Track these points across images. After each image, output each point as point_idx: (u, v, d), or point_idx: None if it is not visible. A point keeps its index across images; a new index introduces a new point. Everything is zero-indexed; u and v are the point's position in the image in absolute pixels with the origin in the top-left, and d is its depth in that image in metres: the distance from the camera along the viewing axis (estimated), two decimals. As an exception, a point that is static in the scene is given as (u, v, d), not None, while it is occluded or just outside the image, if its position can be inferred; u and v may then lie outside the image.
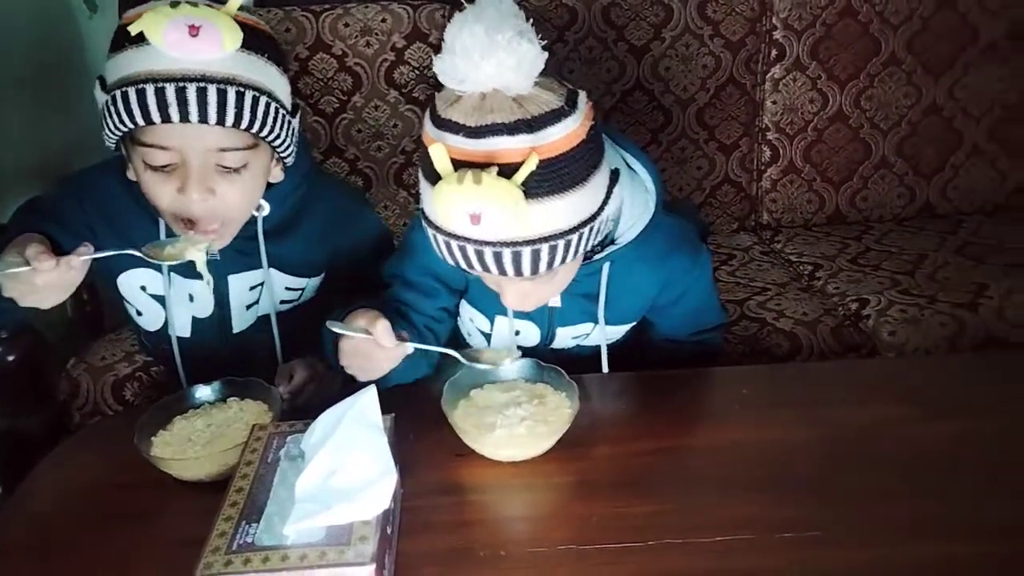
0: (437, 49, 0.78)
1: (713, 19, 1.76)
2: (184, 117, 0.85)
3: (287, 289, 1.10)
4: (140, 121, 0.86)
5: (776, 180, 1.88)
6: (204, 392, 0.95)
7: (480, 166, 0.74)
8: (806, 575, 0.72)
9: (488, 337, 1.06)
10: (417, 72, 1.74)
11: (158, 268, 1.05)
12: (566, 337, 1.06)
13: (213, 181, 0.91)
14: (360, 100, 1.76)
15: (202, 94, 0.85)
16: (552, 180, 0.76)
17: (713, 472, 0.86)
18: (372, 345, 0.85)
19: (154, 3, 0.86)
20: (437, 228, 0.80)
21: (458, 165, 0.75)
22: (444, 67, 0.77)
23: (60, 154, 1.70)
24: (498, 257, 0.78)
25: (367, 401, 0.77)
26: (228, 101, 0.86)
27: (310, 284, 1.12)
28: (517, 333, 1.04)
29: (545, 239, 0.78)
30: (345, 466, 0.70)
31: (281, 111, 0.93)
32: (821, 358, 1.42)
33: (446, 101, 0.78)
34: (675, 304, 1.06)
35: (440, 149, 0.75)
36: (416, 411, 0.89)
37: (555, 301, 1.00)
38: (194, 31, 0.83)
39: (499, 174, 0.73)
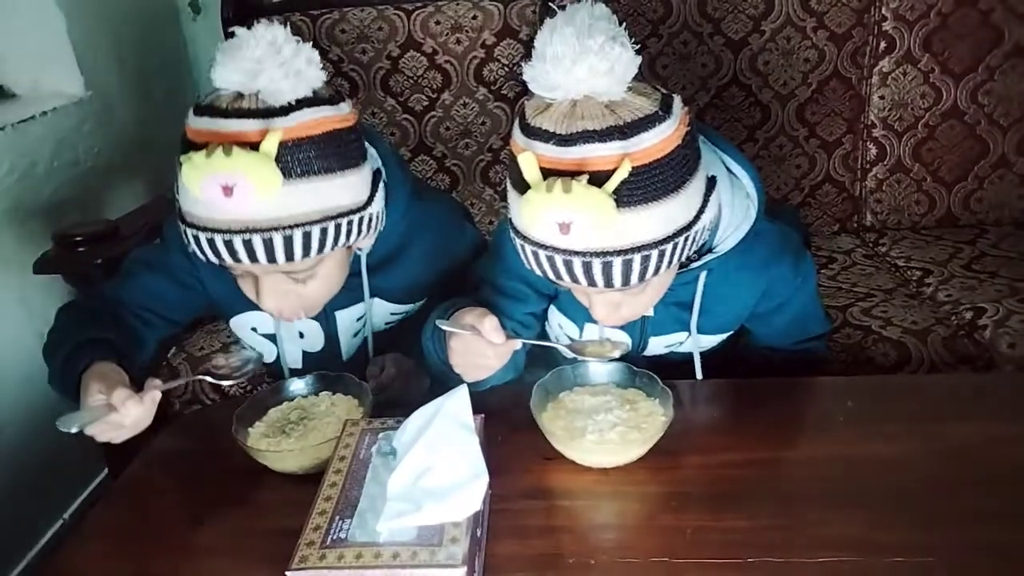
0: (527, 46, 0.77)
1: (817, 10, 1.68)
2: (236, 262, 0.85)
3: (392, 314, 1.11)
4: (200, 257, 0.87)
5: (882, 180, 1.78)
6: (298, 385, 0.97)
7: (570, 174, 0.72)
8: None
9: None
10: (506, 69, 1.74)
11: None
12: (659, 346, 1.03)
13: (287, 287, 0.91)
14: (449, 98, 1.77)
15: (248, 245, 0.82)
16: (645, 188, 0.73)
17: (814, 488, 0.82)
18: (482, 342, 0.85)
19: (206, 119, 0.82)
20: (525, 238, 0.79)
21: (548, 174, 0.73)
22: (535, 74, 0.75)
23: (167, 154, 1.79)
24: (587, 267, 0.76)
25: (458, 400, 0.76)
26: (275, 247, 0.83)
27: (414, 307, 1.13)
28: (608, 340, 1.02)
29: (637, 249, 0.75)
30: (437, 466, 0.70)
31: (344, 221, 0.88)
32: (932, 370, 1.33)
33: (535, 109, 0.77)
34: (776, 313, 1.02)
35: (529, 157, 0.74)
36: (505, 413, 0.88)
37: (648, 310, 0.97)
38: (227, 192, 0.79)
39: (590, 182, 0.71)
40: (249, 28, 0.83)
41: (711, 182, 0.82)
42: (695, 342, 1.00)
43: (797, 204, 1.80)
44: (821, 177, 1.79)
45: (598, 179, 0.72)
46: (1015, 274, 1.54)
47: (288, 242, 0.83)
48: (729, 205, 0.89)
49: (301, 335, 1.09)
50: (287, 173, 0.81)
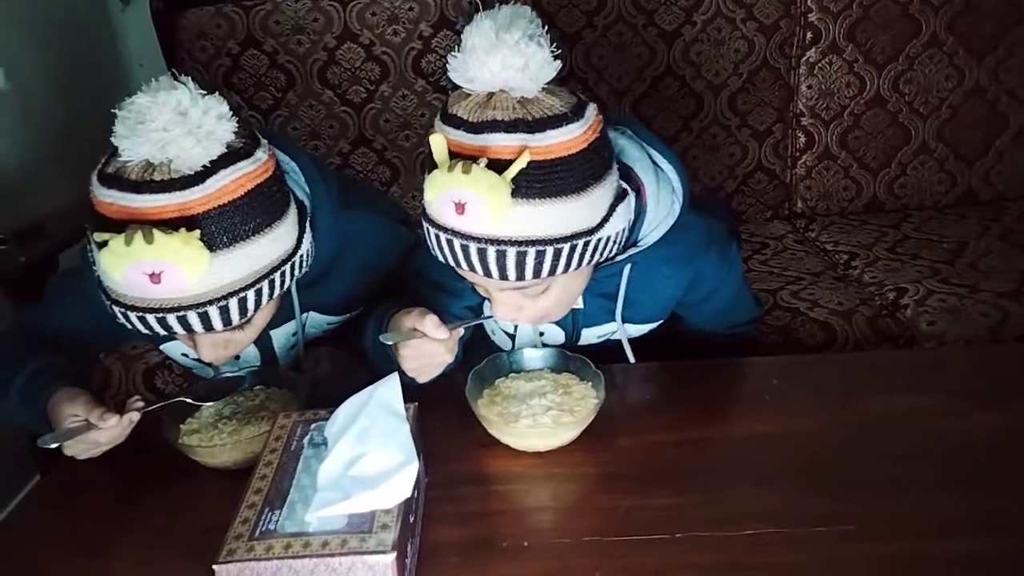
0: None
1: (746, 2, 1.73)
2: (172, 334, 0.82)
3: (329, 324, 1.10)
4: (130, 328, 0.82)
5: (811, 167, 1.84)
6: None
7: (474, 159, 0.74)
8: (835, 570, 0.70)
9: (512, 338, 1.05)
10: (444, 60, 1.73)
11: None
12: (591, 337, 1.05)
13: (224, 337, 0.87)
14: (388, 89, 1.76)
15: (183, 320, 0.79)
16: (544, 182, 0.75)
17: (742, 464, 0.84)
18: (430, 343, 0.85)
19: (115, 192, 0.76)
20: (430, 220, 0.80)
21: (454, 157, 0.76)
22: (456, 65, 0.78)
23: (94, 147, 1.73)
24: (482, 255, 0.77)
25: (389, 388, 0.77)
26: (212, 317, 0.80)
27: (352, 316, 1.10)
28: (541, 335, 1.03)
29: (531, 242, 0.77)
30: (367, 454, 0.70)
31: (276, 275, 0.84)
32: (856, 349, 1.39)
33: (455, 99, 0.79)
34: (704, 302, 1.04)
35: (439, 139, 0.76)
36: (441, 400, 0.89)
37: (578, 302, 0.98)
38: (155, 279, 0.75)
39: (491, 168, 0.73)
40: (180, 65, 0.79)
41: (622, 194, 0.84)
42: (623, 332, 1.02)
43: (731, 192, 1.85)
44: (753, 165, 1.84)
45: (499, 166, 0.74)
46: (935, 256, 1.60)
47: (224, 311, 0.80)
48: (654, 198, 0.90)
49: (237, 356, 1.04)
50: (214, 245, 0.77)
